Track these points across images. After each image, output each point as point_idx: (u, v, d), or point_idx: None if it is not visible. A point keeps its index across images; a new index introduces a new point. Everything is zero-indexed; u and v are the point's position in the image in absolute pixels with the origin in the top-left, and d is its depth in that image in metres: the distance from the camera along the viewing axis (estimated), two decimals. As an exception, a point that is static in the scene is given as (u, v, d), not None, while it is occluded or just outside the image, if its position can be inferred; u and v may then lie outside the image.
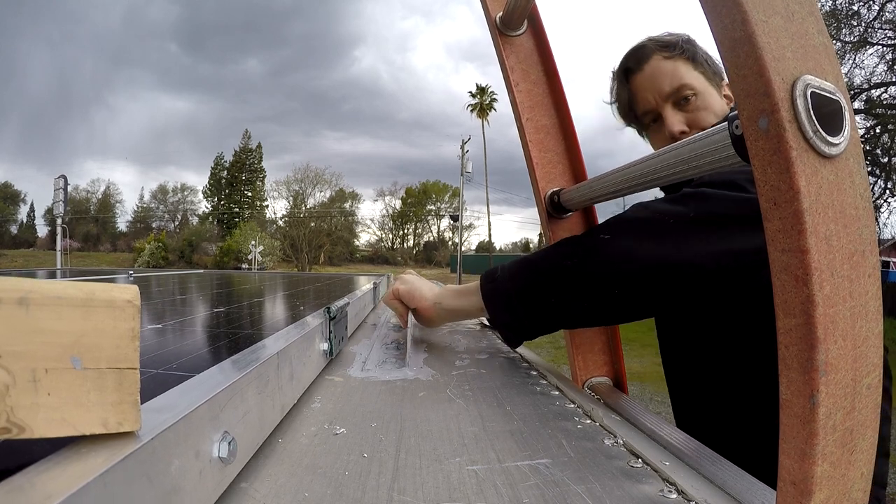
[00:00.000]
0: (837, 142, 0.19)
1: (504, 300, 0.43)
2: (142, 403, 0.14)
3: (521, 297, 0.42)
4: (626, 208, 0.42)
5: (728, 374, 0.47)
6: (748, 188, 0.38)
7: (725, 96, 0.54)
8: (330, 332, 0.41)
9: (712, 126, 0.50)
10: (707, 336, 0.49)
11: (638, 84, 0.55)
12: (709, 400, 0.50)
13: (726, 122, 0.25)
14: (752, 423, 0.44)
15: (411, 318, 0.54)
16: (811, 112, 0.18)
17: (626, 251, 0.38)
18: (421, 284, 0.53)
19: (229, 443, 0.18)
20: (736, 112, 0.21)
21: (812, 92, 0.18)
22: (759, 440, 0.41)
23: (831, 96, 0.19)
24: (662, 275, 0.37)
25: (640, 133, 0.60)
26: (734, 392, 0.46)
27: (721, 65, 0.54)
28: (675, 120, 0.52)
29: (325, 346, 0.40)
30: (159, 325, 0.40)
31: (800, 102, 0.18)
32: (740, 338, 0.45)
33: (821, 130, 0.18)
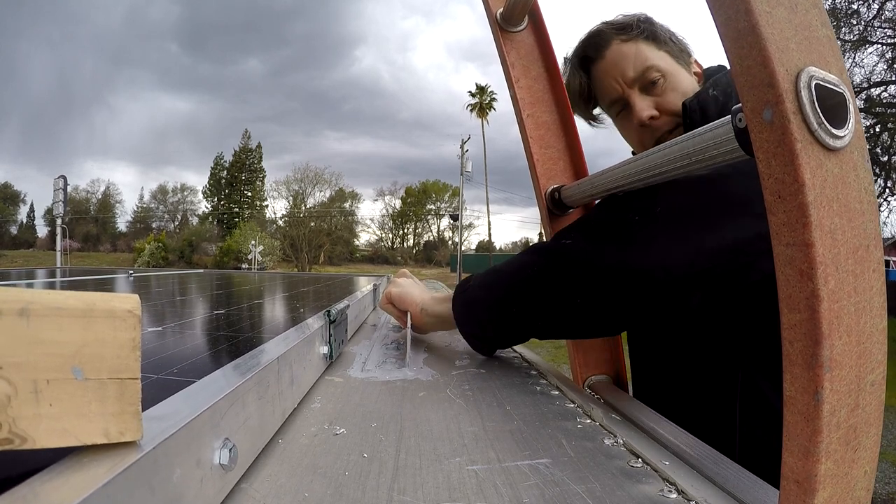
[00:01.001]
0: (842, 134, 0.18)
1: (470, 310, 0.42)
2: (143, 411, 0.14)
3: (487, 306, 0.40)
4: None
5: (695, 373, 0.45)
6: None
7: (695, 73, 0.50)
8: (330, 336, 0.41)
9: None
10: (675, 335, 0.46)
11: (601, 73, 0.50)
12: (674, 397, 0.47)
13: (729, 116, 0.24)
14: (716, 424, 0.42)
15: (410, 319, 0.53)
16: (816, 104, 0.18)
17: (587, 256, 0.35)
18: (412, 288, 0.51)
19: (230, 450, 0.18)
20: (739, 105, 0.20)
21: (816, 84, 0.18)
22: (719, 438, 0.40)
23: (835, 88, 0.19)
24: (627, 282, 0.33)
25: (588, 122, 0.55)
26: (700, 393, 0.44)
27: (685, 41, 0.50)
28: (642, 106, 0.47)
29: (325, 349, 0.40)
30: (160, 328, 0.40)
31: (804, 94, 0.18)
32: (710, 338, 0.42)
33: (825, 122, 0.18)
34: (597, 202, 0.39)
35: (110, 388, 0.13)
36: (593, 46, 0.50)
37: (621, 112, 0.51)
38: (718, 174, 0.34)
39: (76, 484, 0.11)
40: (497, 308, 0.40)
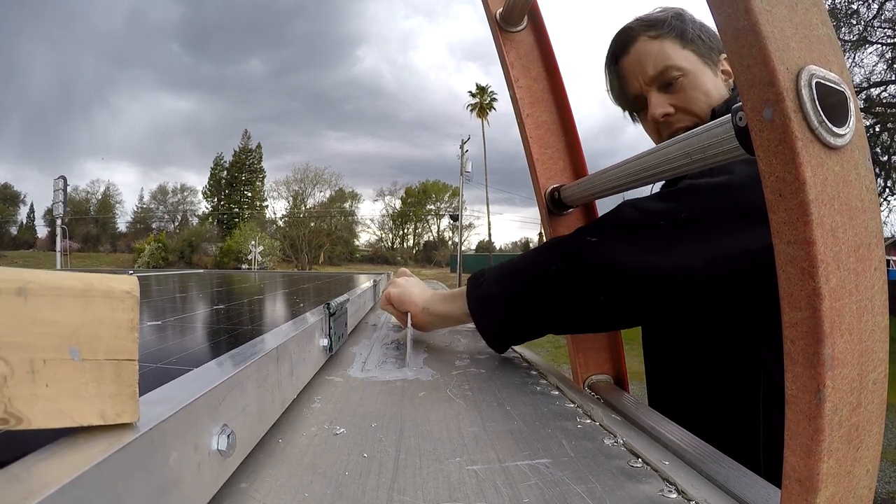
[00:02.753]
0: (843, 132, 0.18)
1: (487, 305, 0.42)
2: (140, 396, 0.14)
3: (505, 302, 0.40)
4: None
5: (709, 374, 0.45)
6: (734, 168, 0.35)
7: (724, 72, 0.50)
8: (330, 329, 0.41)
9: (702, 106, 0.47)
10: (696, 337, 0.47)
11: (626, 68, 0.51)
12: (687, 397, 0.48)
13: (730, 114, 0.24)
14: (730, 422, 0.43)
15: (410, 319, 0.53)
16: (816, 102, 0.18)
17: (613, 256, 0.36)
18: (412, 288, 0.51)
19: (228, 436, 0.18)
20: (740, 103, 0.21)
21: (817, 82, 0.18)
22: (734, 439, 0.40)
23: (836, 87, 0.19)
24: (651, 282, 0.35)
25: (632, 118, 0.57)
26: (722, 394, 0.45)
27: (716, 39, 0.50)
28: (657, 103, 0.49)
29: (325, 342, 0.40)
30: (159, 322, 0.40)
31: (805, 93, 0.18)
32: (732, 339, 0.43)
33: (826, 121, 0.18)
34: (620, 202, 0.39)
35: (107, 369, 0.13)
36: (621, 43, 0.51)
37: (643, 110, 0.52)
38: (739, 184, 0.36)
39: (71, 463, 0.11)
40: (518, 304, 0.40)
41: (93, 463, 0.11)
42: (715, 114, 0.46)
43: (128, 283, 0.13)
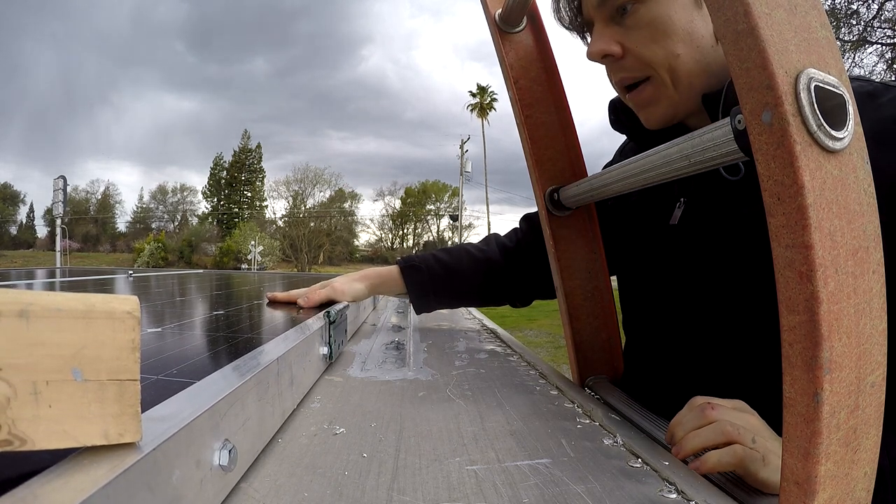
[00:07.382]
0: (841, 136, 0.18)
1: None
2: (142, 412, 0.14)
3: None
4: None
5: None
6: None
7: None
8: (329, 337, 0.41)
9: (664, 56, 0.34)
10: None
11: None
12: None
13: (728, 117, 0.24)
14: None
15: (414, 317, 0.54)
16: (815, 106, 0.18)
17: None
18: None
19: (230, 451, 0.18)
20: (738, 106, 0.21)
21: (816, 86, 0.18)
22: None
23: (835, 90, 0.19)
24: None
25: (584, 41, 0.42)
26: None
27: None
28: (598, 36, 0.36)
29: (325, 350, 0.40)
30: (159, 329, 0.40)
31: (803, 96, 0.18)
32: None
33: (825, 124, 0.18)
34: None
35: (110, 390, 0.13)
36: None
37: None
38: None
39: (76, 485, 0.11)
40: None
41: (98, 485, 0.11)
42: (706, 99, 0.34)
43: (129, 303, 0.13)
